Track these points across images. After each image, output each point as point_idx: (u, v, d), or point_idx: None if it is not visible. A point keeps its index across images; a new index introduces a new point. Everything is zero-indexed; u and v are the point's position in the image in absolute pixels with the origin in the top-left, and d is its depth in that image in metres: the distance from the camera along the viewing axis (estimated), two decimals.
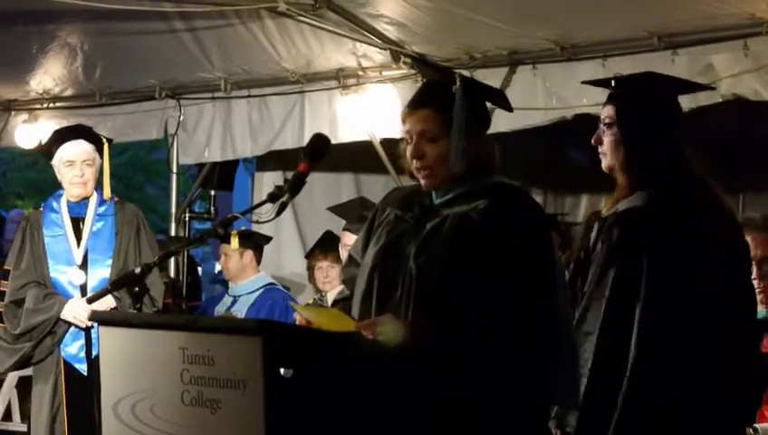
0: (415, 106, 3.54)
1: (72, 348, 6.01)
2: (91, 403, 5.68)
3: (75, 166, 6.10)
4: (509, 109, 3.71)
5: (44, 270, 6.09)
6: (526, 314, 3.31)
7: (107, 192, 6.22)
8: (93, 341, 5.88)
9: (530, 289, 3.34)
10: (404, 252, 3.47)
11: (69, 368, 6.01)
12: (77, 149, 6.12)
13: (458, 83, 3.48)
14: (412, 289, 3.40)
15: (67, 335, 6.01)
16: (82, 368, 5.97)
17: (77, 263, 6.08)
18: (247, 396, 2.99)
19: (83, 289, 6.02)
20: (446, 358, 3.27)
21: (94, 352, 5.85)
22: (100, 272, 6.06)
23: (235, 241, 7.68)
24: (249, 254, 7.80)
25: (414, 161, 3.51)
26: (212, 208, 9.32)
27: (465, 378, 3.27)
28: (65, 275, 6.08)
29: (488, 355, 3.28)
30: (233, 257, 7.74)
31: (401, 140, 3.60)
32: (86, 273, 6.06)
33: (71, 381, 5.99)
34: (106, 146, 6.25)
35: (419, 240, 3.46)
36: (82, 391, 5.84)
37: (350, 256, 3.83)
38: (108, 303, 5.77)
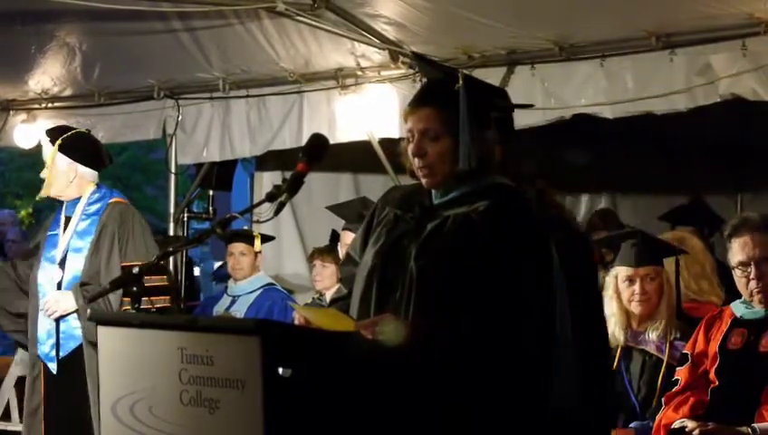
0: (417, 104, 3.54)
1: (46, 346, 6.00)
2: (64, 402, 5.74)
3: (46, 167, 6.15)
4: (510, 109, 3.69)
5: (35, 269, 6.11)
6: (526, 314, 3.31)
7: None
8: (62, 340, 5.91)
9: (529, 290, 3.34)
10: (404, 253, 3.47)
11: (46, 367, 6.01)
12: (44, 151, 6.18)
13: (461, 82, 3.48)
14: (412, 290, 3.40)
15: (42, 333, 6.00)
16: (53, 367, 5.96)
17: (57, 260, 6.08)
18: (246, 396, 2.99)
19: (59, 287, 6.02)
20: (445, 358, 3.26)
21: (62, 353, 5.90)
22: (76, 270, 6.04)
23: (257, 242, 7.76)
24: (261, 255, 7.87)
25: (415, 160, 3.51)
26: (210, 208, 9.33)
27: (465, 378, 3.26)
28: (46, 272, 6.09)
29: (488, 356, 3.28)
30: (248, 257, 7.78)
31: (402, 138, 3.60)
32: (63, 271, 6.05)
33: (47, 380, 6.01)
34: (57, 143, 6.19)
35: (420, 241, 3.46)
36: (55, 390, 5.88)
37: (347, 255, 3.83)
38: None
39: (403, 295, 3.41)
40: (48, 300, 5.95)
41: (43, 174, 6.13)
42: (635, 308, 5.18)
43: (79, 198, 6.14)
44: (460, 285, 3.33)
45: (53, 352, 5.95)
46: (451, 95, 3.46)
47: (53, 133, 6.26)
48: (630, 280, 5.20)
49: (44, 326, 6.00)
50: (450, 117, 3.45)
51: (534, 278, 3.36)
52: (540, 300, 3.35)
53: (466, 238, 3.40)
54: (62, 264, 6.06)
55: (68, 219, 6.14)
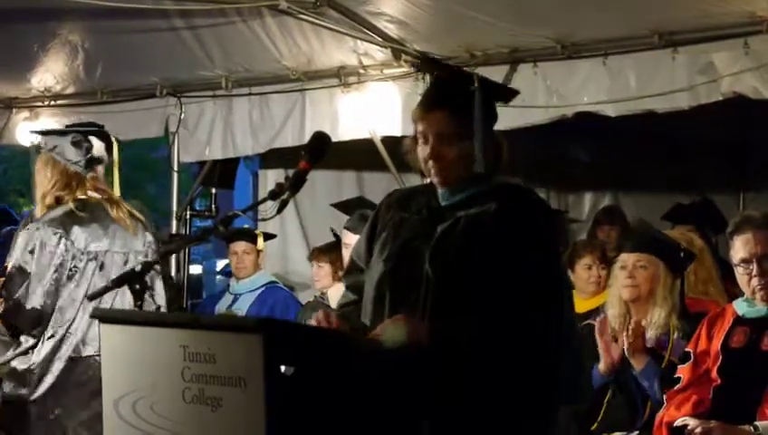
0: (431, 107, 3.52)
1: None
2: None
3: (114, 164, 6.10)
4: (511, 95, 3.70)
5: None
6: (543, 314, 3.35)
7: (117, 191, 6.20)
8: None
9: (545, 289, 3.39)
10: (417, 254, 3.46)
11: None
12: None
13: (477, 84, 3.48)
14: (428, 292, 3.40)
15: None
16: None
17: None
18: (248, 394, 2.99)
19: None
20: (463, 358, 3.26)
21: None
22: None
23: (260, 240, 7.75)
24: (263, 253, 7.87)
25: (429, 162, 3.50)
26: (213, 206, 9.32)
27: (482, 377, 3.27)
28: None
29: (507, 355, 3.30)
30: (251, 256, 7.78)
31: (412, 137, 3.58)
32: None
33: None
34: (116, 145, 6.23)
35: (433, 243, 3.46)
36: None
37: (351, 262, 3.81)
38: None
39: (419, 297, 3.40)
40: None
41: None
42: (623, 294, 5.24)
43: None
44: (477, 287, 3.35)
45: None
46: (465, 97, 3.46)
47: (101, 130, 6.26)
48: (623, 266, 5.26)
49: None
50: (464, 120, 3.45)
51: (548, 278, 3.42)
52: (554, 299, 3.40)
53: (480, 239, 3.41)
54: None
55: None
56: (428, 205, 3.57)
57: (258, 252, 7.85)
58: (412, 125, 3.58)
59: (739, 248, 4.63)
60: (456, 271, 3.39)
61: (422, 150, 3.51)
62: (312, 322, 3.52)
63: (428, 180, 3.62)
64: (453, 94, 3.51)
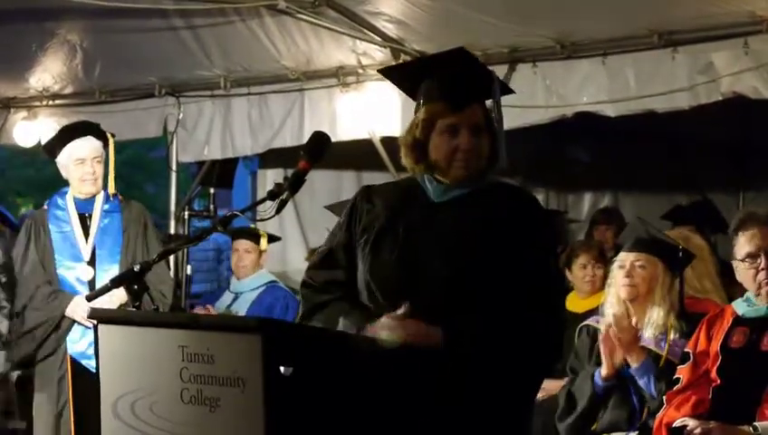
0: (468, 101, 3.51)
1: (80, 345, 5.97)
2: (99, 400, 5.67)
3: (86, 163, 6.07)
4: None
5: (51, 267, 6.05)
6: (542, 314, 3.36)
7: (111, 188, 6.19)
8: None
9: (543, 290, 3.41)
10: (419, 252, 3.44)
11: (76, 365, 5.95)
12: (87, 146, 6.09)
13: (497, 82, 3.54)
14: (441, 291, 3.38)
15: (75, 332, 5.96)
16: (91, 364, 5.92)
17: (85, 259, 6.06)
18: (247, 394, 2.98)
19: (91, 285, 5.98)
20: (461, 357, 3.26)
21: None
22: (109, 268, 6.02)
23: (264, 241, 7.75)
24: (265, 253, 7.85)
25: (458, 154, 3.49)
26: (211, 206, 9.32)
27: (477, 377, 3.27)
28: (73, 271, 6.04)
29: (503, 355, 3.30)
30: (253, 255, 7.77)
31: (418, 130, 3.55)
32: (94, 269, 6.03)
33: (77, 378, 5.95)
34: (111, 141, 6.22)
35: (439, 241, 3.44)
36: (90, 388, 5.81)
37: (328, 254, 3.75)
38: (120, 298, 5.71)
39: (431, 295, 3.38)
40: (76, 313, 5.90)
41: (98, 169, 6.09)
42: (621, 293, 5.25)
43: (94, 196, 6.13)
44: (482, 285, 3.35)
45: (91, 350, 5.89)
46: (489, 92, 3.53)
47: (98, 129, 6.24)
48: (622, 266, 5.27)
49: (77, 326, 5.97)
50: (487, 113, 3.51)
51: (549, 277, 3.46)
52: (555, 299, 3.47)
53: (487, 238, 3.41)
54: (91, 262, 6.04)
55: (81, 217, 6.11)
56: (417, 201, 3.56)
57: (261, 252, 7.84)
58: (414, 118, 3.56)
59: (744, 244, 4.61)
60: (467, 270, 3.38)
61: (449, 143, 3.48)
62: None
63: (400, 175, 3.62)
64: (483, 90, 3.55)
